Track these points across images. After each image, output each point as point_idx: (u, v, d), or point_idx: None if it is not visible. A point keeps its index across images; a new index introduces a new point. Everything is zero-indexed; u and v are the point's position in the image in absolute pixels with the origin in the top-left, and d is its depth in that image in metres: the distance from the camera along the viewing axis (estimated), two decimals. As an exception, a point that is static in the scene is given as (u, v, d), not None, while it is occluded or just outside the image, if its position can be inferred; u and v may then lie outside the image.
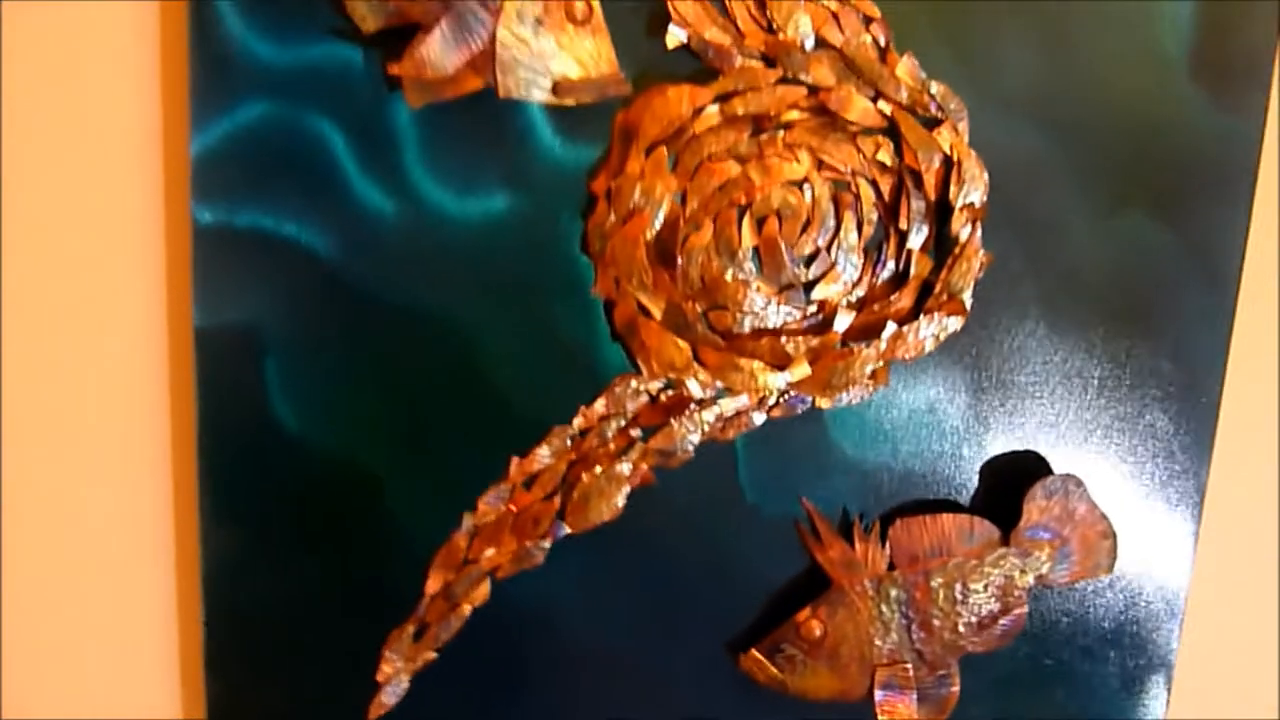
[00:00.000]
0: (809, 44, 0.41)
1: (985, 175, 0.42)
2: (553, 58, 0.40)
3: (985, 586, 0.46)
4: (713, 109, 0.41)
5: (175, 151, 0.42)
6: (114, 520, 0.47)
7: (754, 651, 0.46)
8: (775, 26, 0.41)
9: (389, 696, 0.46)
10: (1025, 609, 0.46)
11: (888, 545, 0.46)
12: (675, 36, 0.41)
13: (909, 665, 0.47)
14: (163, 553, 0.48)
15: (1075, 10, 0.43)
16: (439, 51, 0.38)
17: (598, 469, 0.44)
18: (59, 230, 0.44)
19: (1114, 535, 0.47)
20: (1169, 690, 0.50)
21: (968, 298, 0.43)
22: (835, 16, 0.41)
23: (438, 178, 0.41)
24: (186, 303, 0.43)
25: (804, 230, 0.43)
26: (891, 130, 0.42)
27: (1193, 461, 0.47)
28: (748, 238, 0.43)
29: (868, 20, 0.42)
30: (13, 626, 0.48)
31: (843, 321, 0.44)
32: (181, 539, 0.48)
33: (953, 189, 0.42)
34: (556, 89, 0.40)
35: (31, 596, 0.48)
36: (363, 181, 0.41)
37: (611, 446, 0.44)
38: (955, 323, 0.43)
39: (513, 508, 0.45)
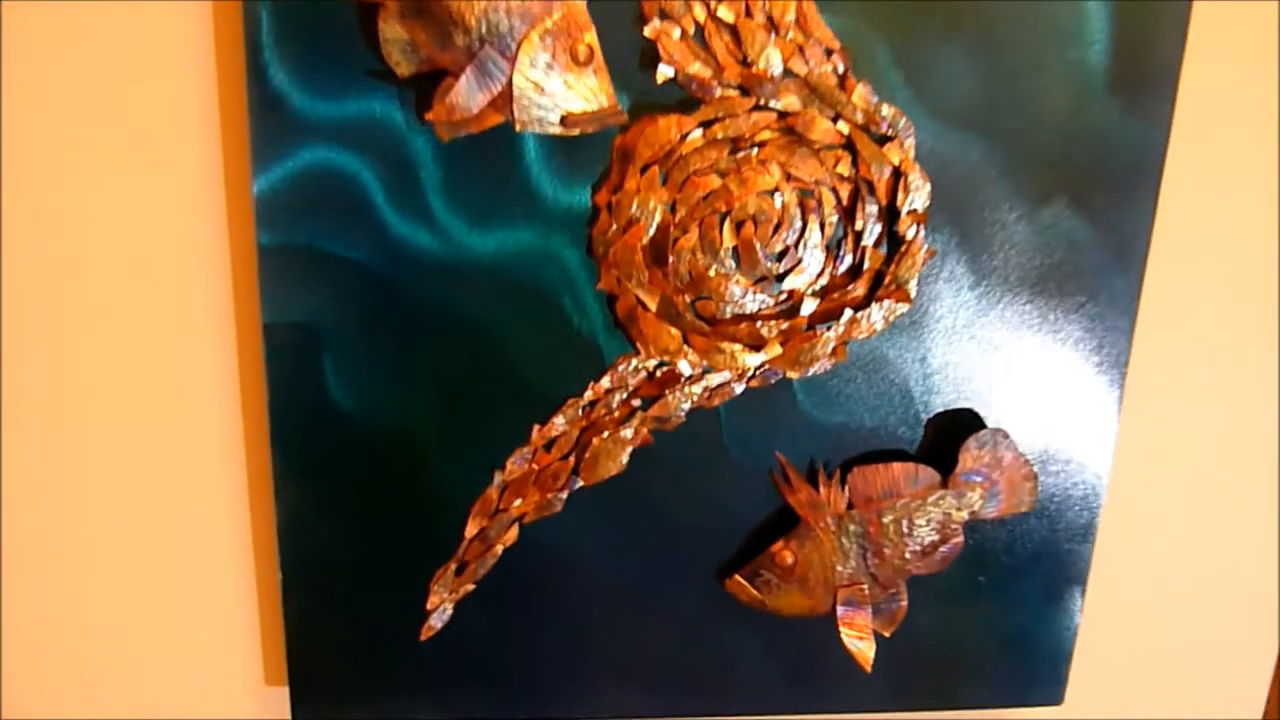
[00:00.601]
0: (778, 74, 0.48)
1: (928, 185, 0.50)
2: (561, 95, 0.47)
3: (927, 521, 0.55)
4: (697, 133, 0.49)
5: (237, 187, 0.50)
6: (203, 485, 0.56)
7: (737, 577, 0.56)
8: (749, 60, 0.48)
9: (436, 620, 0.56)
10: (961, 539, 0.56)
11: (846, 489, 0.55)
12: (664, 73, 0.48)
13: (865, 586, 0.56)
14: (241, 510, 0.57)
15: (1008, 33, 0.50)
16: (465, 95, 0.45)
17: (605, 434, 0.53)
18: (151, 252, 0.51)
19: (1035, 477, 0.56)
20: (1082, 600, 0.60)
21: (913, 286, 0.52)
22: (801, 50, 0.48)
23: (456, 206, 0.49)
24: (255, 305, 0.50)
25: (775, 232, 0.51)
26: (849, 146, 0.50)
27: (1105, 409, 0.56)
28: (728, 239, 0.51)
29: (829, 52, 0.49)
30: (121, 576, 0.57)
31: (808, 307, 0.52)
32: (257, 500, 0.57)
33: (900, 196, 0.50)
34: (564, 121, 0.47)
35: (134, 549, 0.57)
36: (394, 211, 0.49)
37: (616, 415, 0.53)
38: (902, 307, 0.52)
39: (535, 466, 0.53)
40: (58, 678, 0.59)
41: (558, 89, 0.46)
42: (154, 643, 0.59)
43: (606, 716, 0.59)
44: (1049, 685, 0.61)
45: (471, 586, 0.55)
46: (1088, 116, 0.52)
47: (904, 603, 0.57)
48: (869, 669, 0.57)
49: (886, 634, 0.57)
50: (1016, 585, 0.59)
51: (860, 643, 0.57)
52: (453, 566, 0.55)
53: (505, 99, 0.46)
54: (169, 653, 0.59)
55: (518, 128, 0.47)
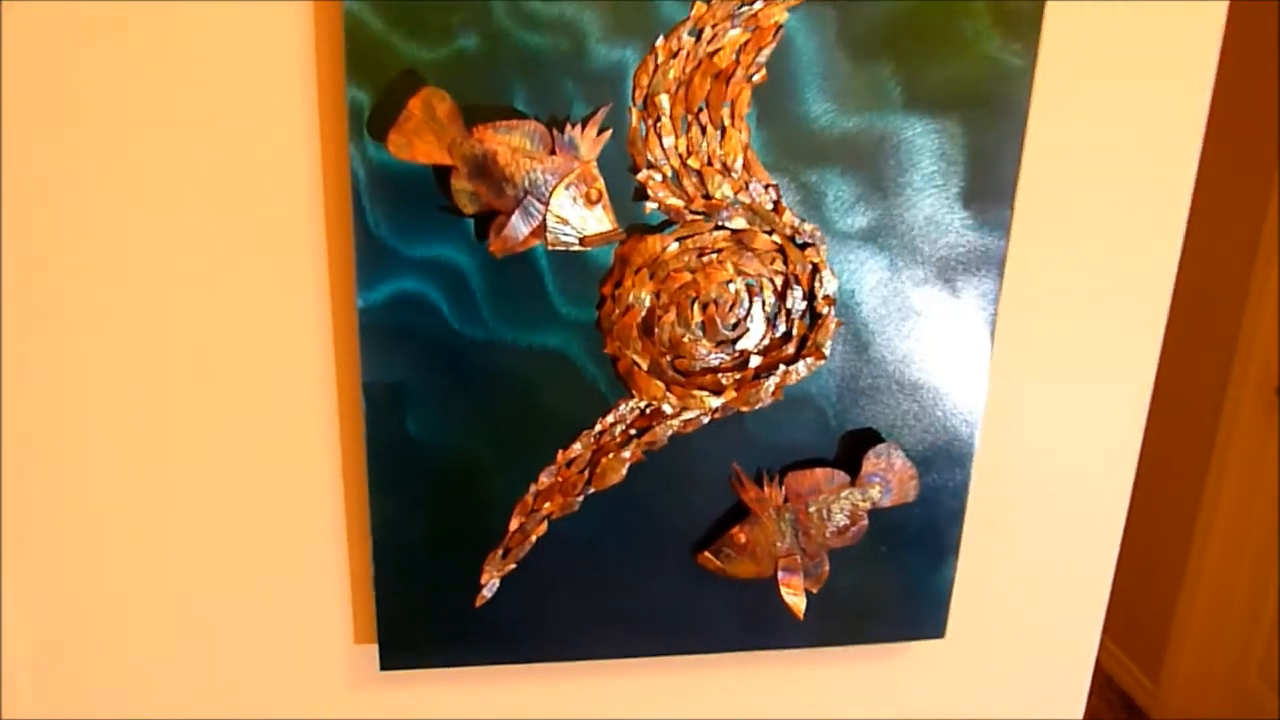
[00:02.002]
0: (730, 203, 0.69)
1: (836, 279, 0.71)
2: (580, 224, 0.67)
3: (842, 510, 0.77)
4: (674, 245, 0.69)
5: (345, 299, 0.69)
6: (317, 497, 0.76)
7: (705, 553, 0.77)
8: (709, 194, 0.69)
9: (488, 591, 0.76)
10: (865, 521, 0.78)
11: (783, 488, 0.77)
12: (649, 206, 0.68)
13: (797, 556, 0.78)
14: (341, 515, 0.77)
15: (887, 166, 0.70)
16: (515, 228, 0.65)
17: (610, 454, 0.74)
18: (290, 338, 0.70)
19: (917, 476, 0.78)
20: (956, 563, 0.82)
21: (826, 347, 0.73)
22: (746, 185, 0.69)
23: (501, 307, 0.69)
24: (357, 370, 0.70)
25: (730, 310, 0.72)
26: (781, 251, 0.71)
27: (969, 431, 0.78)
28: (697, 316, 0.71)
29: (766, 187, 0.69)
30: (250, 563, 0.77)
31: (754, 362, 0.73)
32: (353, 507, 0.76)
33: (817, 285, 0.71)
34: (582, 242, 0.67)
35: (263, 543, 0.76)
36: (456, 312, 0.68)
37: (618, 441, 0.74)
38: (819, 361, 0.73)
39: (560, 479, 0.74)
40: (191, 640, 0.78)
41: (578, 220, 0.66)
42: (272, 613, 0.79)
43: (610, 657, 0.81)
44: (933, 624, 0.84)
45: (513, 566, 0.76)
46: (946, 222, 0.73)
47: (826, 568, 0.79)
48: (801, 616, 0.79)
49: (814, 591, 0.80)
50: (907, 553, 0.81)
51: (795, 597, 0.79)
52: (500, 551, 0.75)
53: (542, 229, 0.66)
54: (283, 620, 0.79)
55: (549, 247, 0.67)
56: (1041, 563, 0.87)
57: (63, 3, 0.61)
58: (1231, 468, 2.28)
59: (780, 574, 0.78)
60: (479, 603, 0.77)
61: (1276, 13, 2.10)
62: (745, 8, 0.65)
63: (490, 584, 0.76)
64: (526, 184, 0.65)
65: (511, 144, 0.64)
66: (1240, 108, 2.23)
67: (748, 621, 0.81)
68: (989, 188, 0.73)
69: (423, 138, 0.63)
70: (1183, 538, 2.43)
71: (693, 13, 0.65)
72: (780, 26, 0.66)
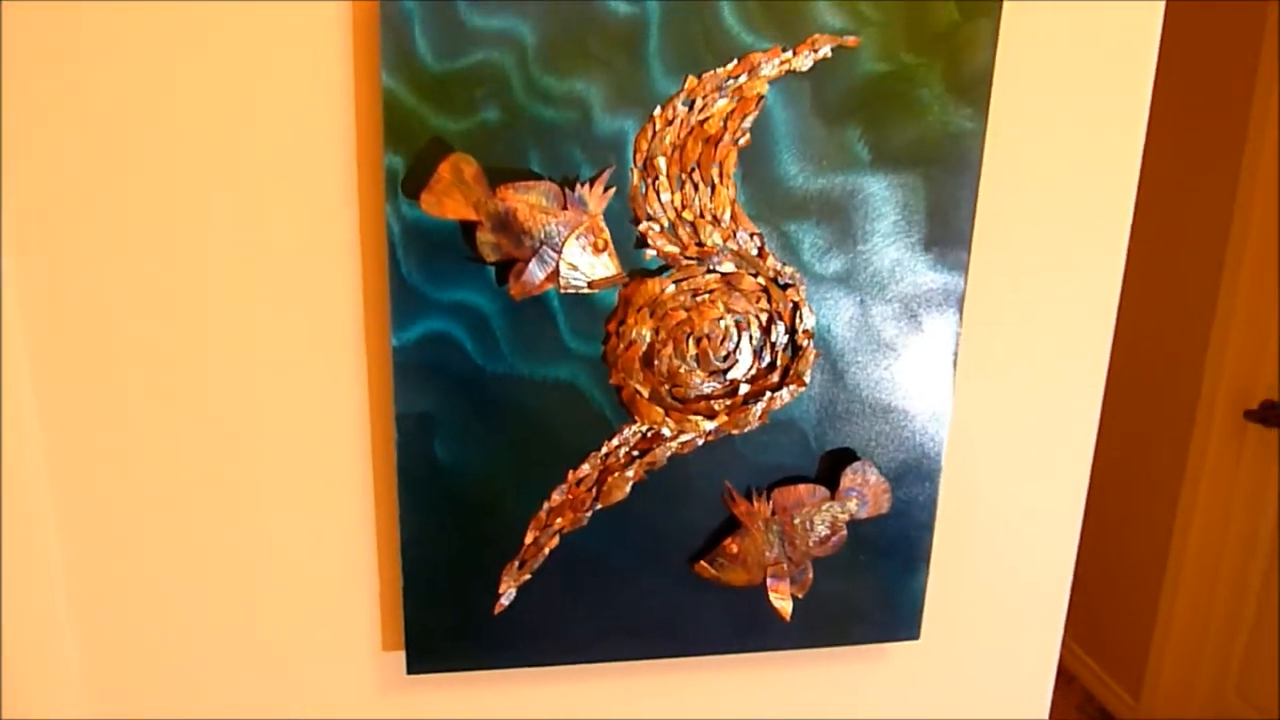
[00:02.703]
0: (720, 249, 0.78)
1: (814, 315, 0.81)
2: (588, 269, 0.76)
3: (823, 522, 0.86)
4: (671, 288, 0.78)
5: (380, 339, 0.78)
6: (352, 515, 0.84)
7: (702, 562, 0.86)
8: (701, 242, 0.78)
9: (505, 600, 0.85)
10: (845, 532, 0.87)
11: (770, 503, 0.85)
12: (648, 253, 0.78)
13: (784, 565, 0.87)
14: (370, 530, 0.85)
15: (859, 217, 0.80)
16: (532, 274, 0.75)
17: (615, 474, 0.82)
18: (331, 374, 0.79)
19: (890, 490, 0.87)
20: (927, 572, 0.91)
21: (807, 375, 0.82)
22: (734, 233, 0.78)
23: (517, 346, 0.78)
24: (389, 402, 0.79)
25: (721, 344, 0.81)
26: (765, 291, 0.80)
27: (936, 448, 0.87)
28: (691, 349, 0.81)
29: (751, 234, 0.79)
30: (287, 574, 0.85)
31: (743, 390, 0.82)
32: (383, 525, 0.85)
33: (798, 321, 0.81)
34: (591, 285, 0.76)
35: (299, 559, 0.85)
36: (479, 350, 0.77)
37: (622, 462, 0.82)
38: (799, 390, 0.82)
39: (570, 496, 0.83)
40: (231, 647, 0.86)
41: (586, 266, 0.76)
42: (308, 623, 0.87)
43: (617, 659, 0.89)
44: (909, 626, 0.93)
45: (528, 576, 0.84)
46: (910, 265, 0.82)
47: (810, 575, 0.88)
48: (789, 619, 0.88)
49: (800, 596, 0.88)
50: (883, 561, 0.90)
51: (783, 602, 0.87)
52: (516, 563, 0.84)
53: (555, 274, 0.75)
54: (318, 629, 0.87)
55: (561, 290, 0.76)
56: (1006, 567, 0.96)
57: (120, 92, 0.71)
58: (1204, 490, 2.38)
59: (769, 581, 0.87)
60: (497, 610, 0.85)
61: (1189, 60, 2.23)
62: (731, 81, 0.75)
63: (508, 593, 0.85)
64: (542, 235, 0.74)
65: (529, 201, 0.73)
66: (1202, 142, 2.35)
67: (740, 625, 0.90)
68: (948, 234, 0.82)
69: (452, 197, 0.72)
70: (1159, 558, 2.52)
71: (685, 86, 0.74)
72: (762, 97, 0.76)
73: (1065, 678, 2.94)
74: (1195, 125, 2.35)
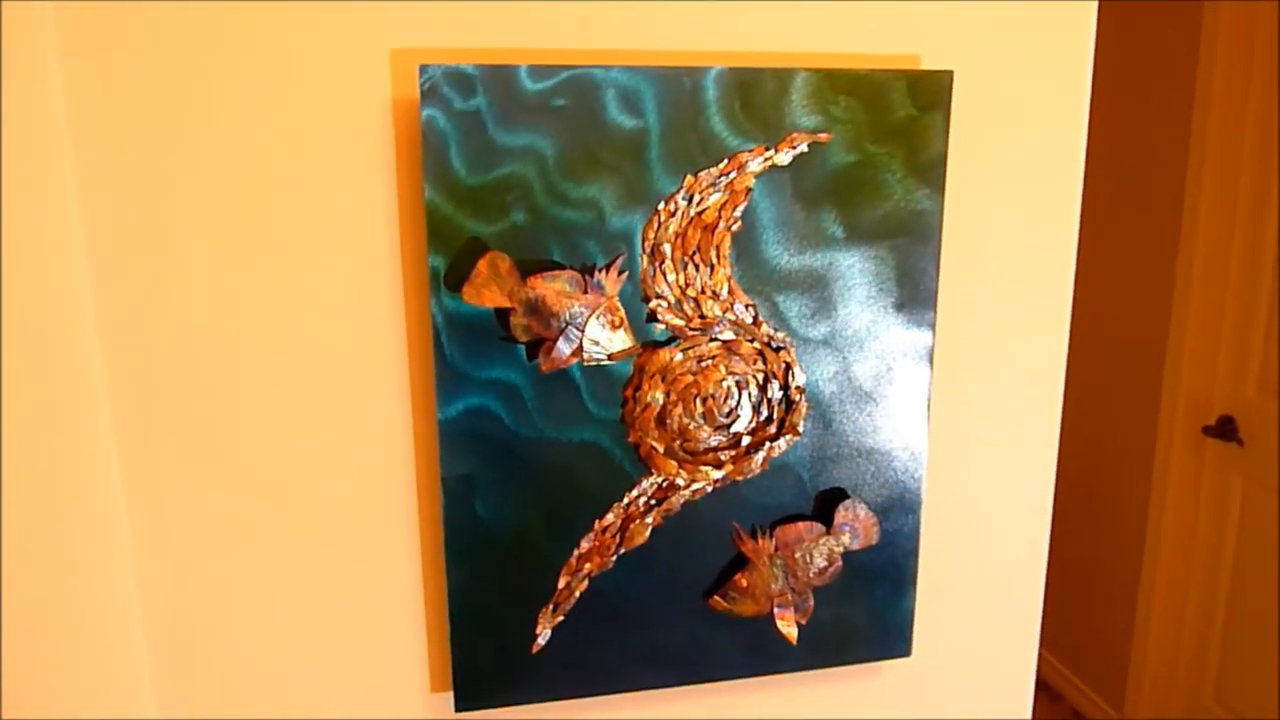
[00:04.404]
0: (719, 321, 0.90)
1: (804, 374, 0.92)
2: (607, 344, 0.87)
3: (820, 554, 0.97)
4: (679, 355, 0.90)
5: (426, 413, 0.89)
6: (401, 565, 0.94)
7: (716, 597, 0.97)
8: (704, 315, 0.90)
9: (541, 640, 0.95)
10: (840, 563, 0.98)
11: (773, 539, 0.96)
12: (658, 326, 0.89)
13: (788, 595, 0.98)
14: (418, 582, 0.95)
15: (838, 286, 0.92)
16: (560, 350, 0.86)
17: (636, 520, 0.93)
18: (382, 442, 0.90)
19: (879, 523, 0.98)
20: (915, 595, 1.02)
21: (800, 426, 0.94)
22: (731, 305, 0.90)
23: (546, 414, 0.89)
24: (435, 465, 0.90)
25: (724, 402, 0.92)
26: (761, 354, 0.92)
27: (915, 487, 0.99)
28: (699, 408, 0.92)
29: (746, 305, 0.91)
30: (340, 620, 0.94)
31: (745, 441, 0.93)
32: (430, 574, 0.95)
33: (791, 379, 0.92)
34: (610, 357, 0.88)
35: (353, 605, 0.94)
36: (511, 419, 0.88)
37: (641, 510, 0.93)
38: (794, 439, 0.94)
39: (597, 543, 0.93)
40: (292, 690, 0.95)
41: (605, 341, 0.87)
42: (363, 668, 0.96)
43: (641, 689, 0.99)
44: (900, 644, 1.04)
45: (561, 617, 0.95)
46: (885, 325, 0.95)
47: (811, 603, 0.99)
48: (794, 643, 0.98)
49: (803, 622, 0.99)
50: (875, 586, 1.01)
51: (789, 628, 0.98)
52: (550, 606, 0.94)
53: (579, 349, 0.87)
54: (372, 674, 0.97)
55: (584, 363, 0.87)
56: (985, 584, 1.08)
57: (206, 215, 0.82)
58: (1169, 506, 2.51)
59: (776, 610, 0.98)
60: (535, 650, 0.95)
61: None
62: (723, 177, 0.87)
63: (544, 634, 0.95)
64: (567, 317, 0.86)
65: (556, 288, 0.85)
66: (1146, 168, 2.51)
67: (751, 652, 1.00)
68: (916, 296, 0.95)
69: (489, 288, 0.84)
70: (1132, 574, 2.65)
71: (683, 184, 0.87)
72: (749, 189, 0.88)
73: (1051, 695, 3.04)
74: (1138, 151, 2.51)
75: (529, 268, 0.85)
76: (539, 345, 0.87)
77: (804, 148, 0.89)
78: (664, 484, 0.93)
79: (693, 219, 0.88)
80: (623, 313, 0.87)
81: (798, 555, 0.97)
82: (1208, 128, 2.26)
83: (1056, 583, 2.95)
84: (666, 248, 0.87)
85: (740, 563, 0.97)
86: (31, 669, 0.85)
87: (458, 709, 0.95)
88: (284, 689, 0.95)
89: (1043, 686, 3.11)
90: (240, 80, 0.81)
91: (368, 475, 0.91)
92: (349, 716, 0.97)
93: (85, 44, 0.78)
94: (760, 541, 0.96)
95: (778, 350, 0.92)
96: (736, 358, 0.92)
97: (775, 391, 0.93)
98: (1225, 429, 2.37)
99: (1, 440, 0.80)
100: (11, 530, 0.81)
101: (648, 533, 0.94)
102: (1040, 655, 3.08)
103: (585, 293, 0.86)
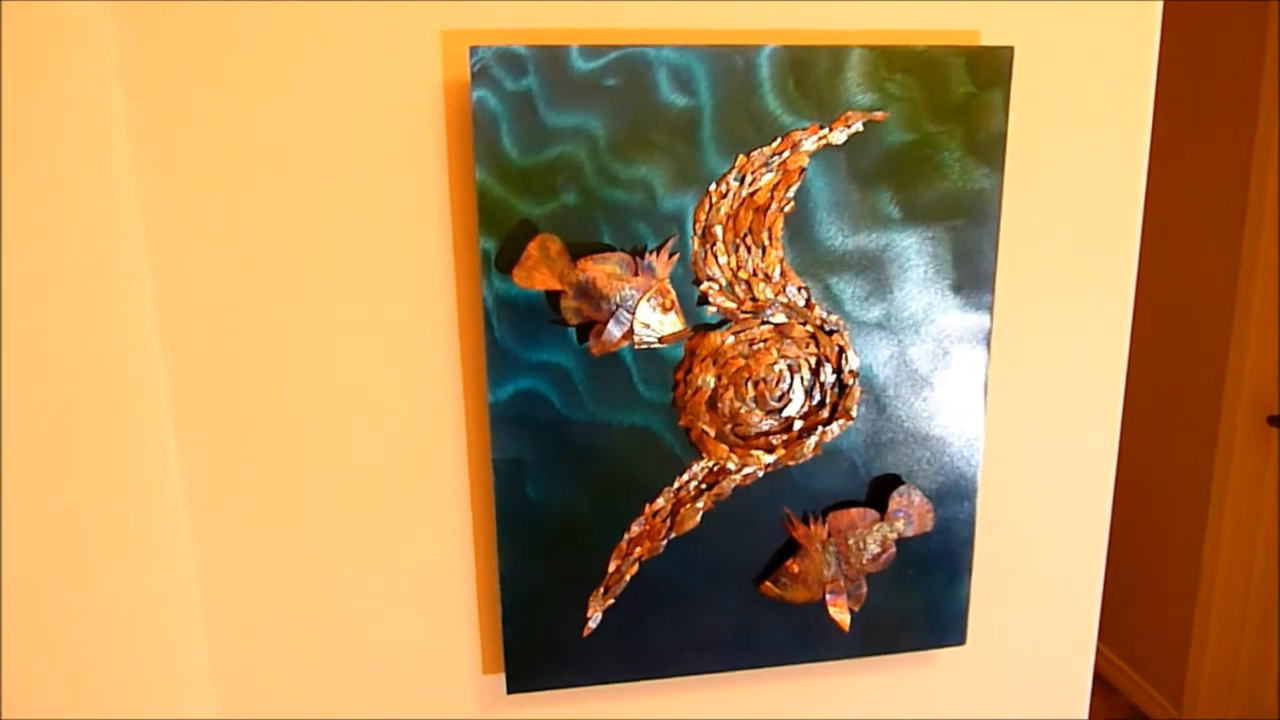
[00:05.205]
0: (772, 303, 0.89)
1: (858, 357, 0.91)
2: (658, 327, 0.87)
3: (874, 541, 0.96)
4: (730, 339, 0.89)
5: (478, 396, 0.89)
6: (453, 548, 0.95)
7: (767, 582, 0.96)
8: (755, 297, 0.89)
9: (592, 623, 0.94)
10: (894, 549, 0.96)
11: (826, 525, 0.95)
12: (709, 309, 0.88)
13: (841, 581, 0.96)
14: (470, 565, 0.95)
15: (893, 268, 0.90)
16: (610, 333, 0.85)
17: (686, 505, 0.92)
18: (436, 425, 0.90)
19: (933, 510, 0.97)
20: (970, 583, 1.00)
21: (854, 410, 0.92)
22: (783, 288, 0.89)
23: (596, 396, 0.88)
24: (486, 448, 0.90)
25: (776, 386, 0.91)
26: (813, 337, 0.90)
27: (972, 471, 0.97)
28: (750, 392, 0.91)
29: (799, 288, 0.89)
30: (396, 603, 0.95)
31: (797, 426, 0.92)
32: (482, 557, 0.95)
33: (844, 362, 0.91)
34: (660, 340, 0.87)
35: (407, 589, 0.95)
36: (562, 402, 0.88)
37: (693, 494, 0.93)
38: (847, 423, 0.92)
39: (647, 527, 0.93)
40: (348, 673, 0.96)
41: (656, 324, 0.86)
42: (417, 651, 0.97)
43: (692, 674, 0.98)
44: (955, 633, 1.02)
45: (612, 601, 0.94)
46: (941, 308, 0.93)
47: (864, 590, 0.97)
48: (847, 630, 0.97)
49: (856, 609, 0.98)
50: (929, 574, 0.99)
51: (841, 615, 0.97)
52: (601, 589, 0.94)
53: (630, 332, 0.86)
54: (424, 656, 0.97)
55: (635, 346, 0.87)
56: (1042, 574, 1.05)
57: (269, 201, 0.83)
58: (1231, 497, 2.44)
59: (828, 596, 0.97)
60: (585, 633, 0.95)
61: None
62: (775, 157, 0.86)
63: (594, 617, 0.95)
64: (618, 299, 0.85)
65: (606, 271, 0.84)
66: (1210, 155, 2.44)
67: (802, 638, 0.99)
68: (973, 278, 0.92)
69: (540, 271, 0.83)
70: (1192, 568, 2.58)
71: (736, 164, 0.85)
72: (803, 169, 0.87)
73: (1108, 690, 2.99)
74: (1202, 140, 2.44)
75: (579, 250, 0.84)
76: (589, 328, 0.86)
77: (859, 126, 0.87)
78: (715, 468, 0.92)
79: (745, 200, 0.86)
80: (674, 295, 0.87)
81: (851, 541, 0.95)
82: (1274, 115, 2.19)
83: (1114, 575, 2.89)
84: (718, 229, 0.86)
85: (792, 548, 0.96)
86: (100, 655, 0.87)
87: (509, 691, 0.95)
88: (337, 671, 0.96)
89: (1099, 681, 3.05)
90: (290, 64, 0.81)
91: (420, 458, 0.91)
92: (402, 698, 0.98)
93: (140, 32, 0.79)
94: (813, 527, 0.95)
95: (831, 333, 0.91)
96: (789, 341, 0.90)
97: (828, 375, 0.92)
98: (1292, 418, 2.29)
99: (13, 430, 0.81)
100: (69, 526, 0.83)
101: (698, 517, 0.93)
102: (1096, 649, 3.02)
103: (636, 275, 0.85)
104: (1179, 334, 2.57)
